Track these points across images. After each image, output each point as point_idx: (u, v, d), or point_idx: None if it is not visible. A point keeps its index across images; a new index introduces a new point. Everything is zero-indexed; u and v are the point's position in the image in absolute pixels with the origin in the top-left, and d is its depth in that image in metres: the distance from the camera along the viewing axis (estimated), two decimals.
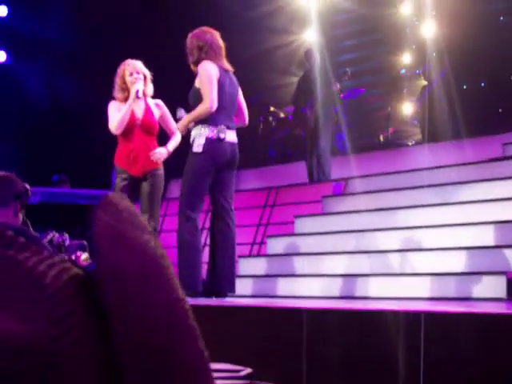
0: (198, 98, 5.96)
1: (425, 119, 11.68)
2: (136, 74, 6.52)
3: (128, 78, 6.52)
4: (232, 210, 6.13)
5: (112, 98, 6.71)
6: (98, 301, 0.69)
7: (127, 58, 6.75)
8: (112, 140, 6.73)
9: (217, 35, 6.19)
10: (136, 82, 6.48)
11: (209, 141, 5.92)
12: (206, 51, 6.06)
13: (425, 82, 11.86)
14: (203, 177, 5.97)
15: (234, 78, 6.26)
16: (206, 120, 5.93)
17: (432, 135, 11.03)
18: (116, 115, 6.47)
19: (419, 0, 13.95)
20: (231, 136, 6.04)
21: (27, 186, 3.46)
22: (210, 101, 5.85)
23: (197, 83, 6.04)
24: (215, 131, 5.93)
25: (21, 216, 3.43)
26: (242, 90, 6.40)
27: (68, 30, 12.62)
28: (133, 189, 6.50)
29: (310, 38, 13.12)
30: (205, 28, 6.21)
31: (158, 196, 6.58)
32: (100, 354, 0.70)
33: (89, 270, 0.73)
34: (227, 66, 6.17)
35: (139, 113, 6.53)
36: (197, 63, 6.07)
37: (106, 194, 0.80)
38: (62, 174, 10.62)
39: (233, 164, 6.12)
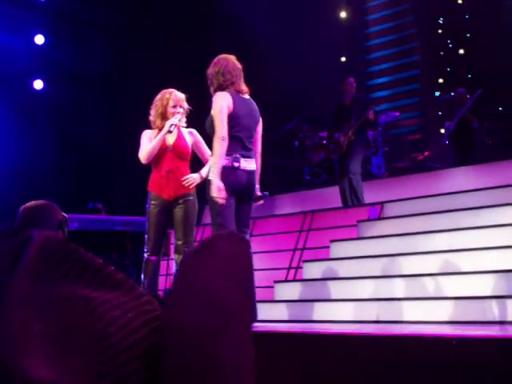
0: (212, 126, 6.05)
1: (460, 141, 11.64)
2: (179, 107, 6.58)
3: (170, 109, 6.56)
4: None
5: (145, 127, 6.76)
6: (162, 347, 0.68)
7: (162, 87, 6.80)
8: (145, 166, 6.79)
9: (232, 58, 6.27)
10: (176, 115, 6.52)
11: (223, 169, 5.96)
12: (223, 73, 6.14)
13: (459, 104, 11.80)
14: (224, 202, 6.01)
15: (254, 106, 6.30)
16: None
17: (467, 158, 10.99)
18: (147, 146, 6.53)
19: (454, 22, 13.97)
20: (247, 164, 6.07)
21: (66, 215, 3.50)
22: (219, 135, 5.95)
23: (212, 111, 6.13)
24: (229, 160, 5.99)
25: None
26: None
27: (104, 58, 12.77)
28: (166, 215, 6.54)
29: (343, 63, 13.18)
30: (220, 55, 6.31)
31: (191, 221, 6.59)
32: None
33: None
34: (244, 88, 6.23)
35: (170, 140, 6.58)
36: (216, 91, 6.16)
37: (210, 237, 0.77)
38: (97, 202, 10.72)
39: (249, 192, 6.16)
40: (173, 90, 6.66)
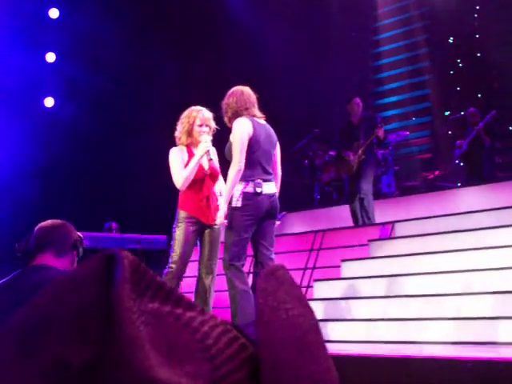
0: (231, 152, 6.09)
1: (472, 161, 11.63)
2: (205, 126, 6.49)
3: (196, 128, 6.45)
4: (272, 259, 6.23)
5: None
6: (255, 366, 0.72)
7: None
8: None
9: (247, 89, 6.34)
10: (203, 134, 6.43)
11: (246, 195, 6.03)
12: (237, 101, 6.20)
13: (470, 124, 11.80)
14: (245, 230, 6.07)
15: (271, 130, 6.37)
16: (242, 176, 6.05)
17: (478, 177, 10.98)
18: (181, 171, 6.39)
19: (464, 41, 13.99)
20: (268, 188, 6.14)
21: (81, 235, 3.50)
22: (237, 162, 6.01)
23: (231, 138, 6.16)
24: (251, 185, 6.03)
25: (76, 266, 3.45)
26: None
27: (115, 75, 12.83)
28: (199, 234, 6.50)
29: (354, 81, 13.21)
30: (235, 87, 6.37)
31: (219, 242, 6.60)
32: None
33: (247, 333, 0.76)
34: (260, 114, 6.30)
35: (205, 163, 6.52)
36: (231, 119, 6.19)
37: (270, 267, 0.83)
38: (113, 221, 10.74)
39: (273, 214, 6.23)
40: (201, 108, 6.53)
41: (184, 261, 6.42)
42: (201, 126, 6.45)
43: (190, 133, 6.49)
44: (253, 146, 6.08)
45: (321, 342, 0.77)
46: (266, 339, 0.73)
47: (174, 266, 6.38)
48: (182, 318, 0.72)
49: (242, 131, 6.07)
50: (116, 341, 0.66)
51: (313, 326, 0.77)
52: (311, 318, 0.78)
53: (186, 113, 6.56)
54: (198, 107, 6.55)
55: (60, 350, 0.68)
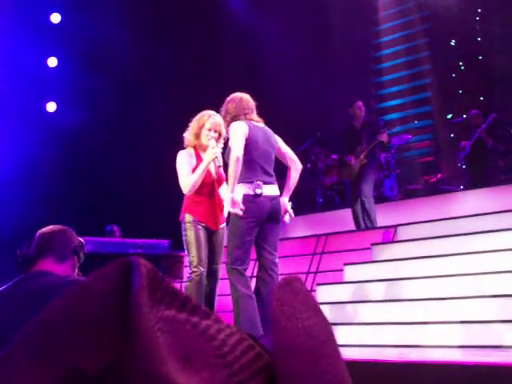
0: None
1: (475, 163, 11.61)
2: (214, 132, 6.45)
3: (205, 131, 6.44)
4: (275, 263, 6.20)
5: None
6: (271, 374, 0.73)
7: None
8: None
9: (245, 95, 6.38)
10: (210, 140, 6.41)
11: (246, 197, 6.00)
12: (235, 107, 6.24)
13: (473, 126, 11.79)
14: (247, 232, 6.04)
15: (270, 132, 6.38)
16: (241, 178, 6.03)
17: (481, 180, 10.96)
18: (189, 177, 6.39)
19: (466, 44, 13.98)
20: (269, 190, 6.13)
21: (82, 240, 3.49)
22: (234, 149, 5.98)
23: (230, 143, 6.17)
24: (251, 188, 6.01)
25: (76, 271, 3.45)
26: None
27: (116, 80, 12.84)
28: (207, 238, 6.49)
29: (356, 85, 13.20)
30: (234, 93, 6.40)
31: (223, 246, 6.59)
32: None
33: (262, 343, 0.77)
34: (258, 119, 6.32)
35: (213, 169, 6.50)
36: (229, 124, 6.23)
37: (286, 278, 0.83)
38: (114, 224, 10.75)
39: (275, 217, 6.21)
40: (214, 113, 6.52)
41: (204, 260, 6.38)
42: (210, 130, 6.44)
43: (197, 135, 6.49)
44: (250, 146, 6.08)
45: (336, 353, 0.78)
46: (282, 348, 0.73)
47: (196, 269, 6.31)
48: (198, 326, 0.73)
49: (237, 131, 6.10)
50: (133, 347, 0.67)
51: (328, 336, 0.78)
52: (327, 328, 0.79)
53: (198, 116, 6.56)
54: (212, 112, 6.54)
55: (75, 358, 0.68)
